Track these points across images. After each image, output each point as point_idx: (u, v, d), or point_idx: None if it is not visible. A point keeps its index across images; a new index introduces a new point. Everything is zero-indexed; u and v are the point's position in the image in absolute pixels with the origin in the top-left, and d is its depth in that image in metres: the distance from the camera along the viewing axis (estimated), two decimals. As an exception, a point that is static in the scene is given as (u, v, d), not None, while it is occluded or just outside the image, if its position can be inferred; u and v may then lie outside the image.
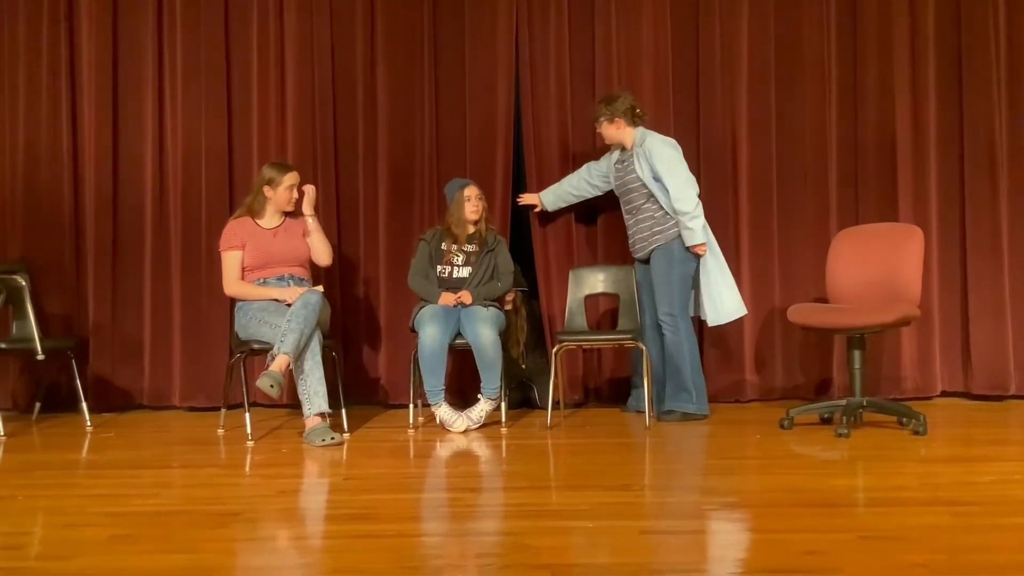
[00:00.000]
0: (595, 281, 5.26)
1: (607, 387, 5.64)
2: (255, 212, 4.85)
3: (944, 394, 5.57)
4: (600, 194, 5.34)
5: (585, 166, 5.37)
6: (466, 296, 4.85)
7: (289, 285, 4.72)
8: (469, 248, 5.04)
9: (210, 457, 4.24)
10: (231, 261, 4.76)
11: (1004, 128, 5.55)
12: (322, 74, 5.65)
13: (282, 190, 4.83)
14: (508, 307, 5.21)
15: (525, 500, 3.28)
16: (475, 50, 5.64)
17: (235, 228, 4.81)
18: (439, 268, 5.01)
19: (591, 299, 5.37)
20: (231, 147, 5.67)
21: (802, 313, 4.62)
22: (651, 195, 4.97)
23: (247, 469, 3.94)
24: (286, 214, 4.91)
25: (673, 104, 5.57)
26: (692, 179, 4.99)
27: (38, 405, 5.38)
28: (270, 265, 4.76)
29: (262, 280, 4.74)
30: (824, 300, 4.89)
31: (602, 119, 5.08)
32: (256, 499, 3.36)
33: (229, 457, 4.23)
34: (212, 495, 3.41)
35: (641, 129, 5.08)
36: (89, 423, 5.03)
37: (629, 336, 4.90)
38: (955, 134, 5.59)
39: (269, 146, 5.63)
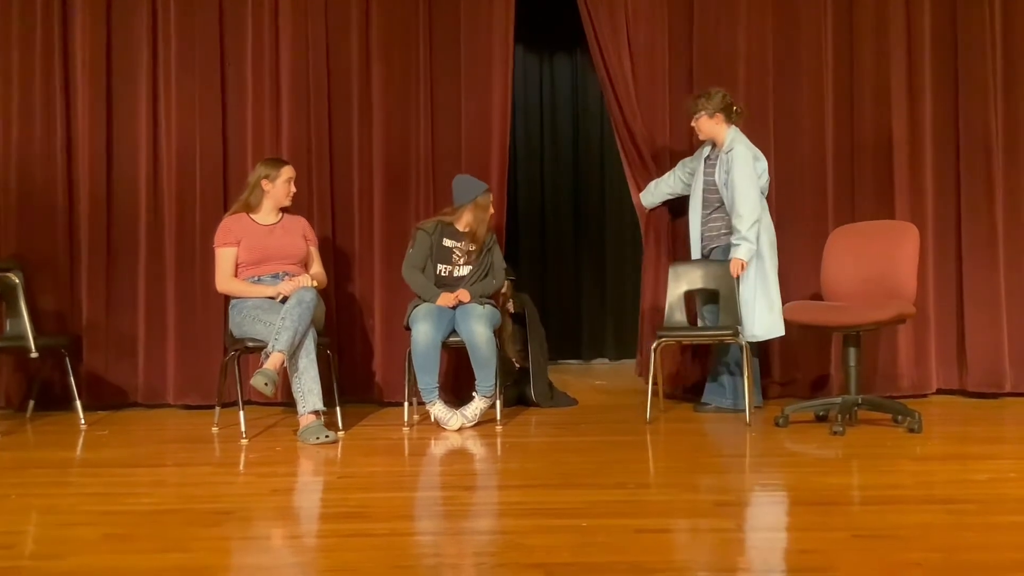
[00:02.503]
0: (695, 276, 5.17)
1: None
2: (251, 207, 4.85)
3: (939, 392, 5.58)
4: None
5: (680, 163, 5.41)
6: (464, 294, 4.84)
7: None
8: (471, 247, 5.03)
9: (204, 455, 4.23)
10: (225, 258, 4.75)
11: (1000, 126, 5.56)
12: (317, 69, 5.63)
13: (280, 183, 4.83)
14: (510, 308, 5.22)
15: (519, 498, 3.27)
16: (471, 45, 5.63)
17: (230, 224, 4.80)
18: (440, 267, 4.99)
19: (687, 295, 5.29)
20: (225, 144, 5.66)
21: (797, 311, 4.62)
22: (723, 200, 5.06)
23: (241, 467, 3.93)
24: (283, 211, 4.90)
25: (669, 103, 5.57)
26: (763, 201, 5.03)
27: (32, 403, 5.36)
28: (266, 261, 4.75)
29: (256, 278, 4.73)
30: (820, 298, 4.89)
31: (702, 112, 5.06)
32: (250, 497, 3.35)
33: (223, 455, 4.21)
34: (206, 493, 3.41)
35: (735, 131, 5.08)
36: (83, 421, 5.02)
37: (729, 332, 4.85)
38: (951, 132, 5.60)
39: (263, 143, 5.61)
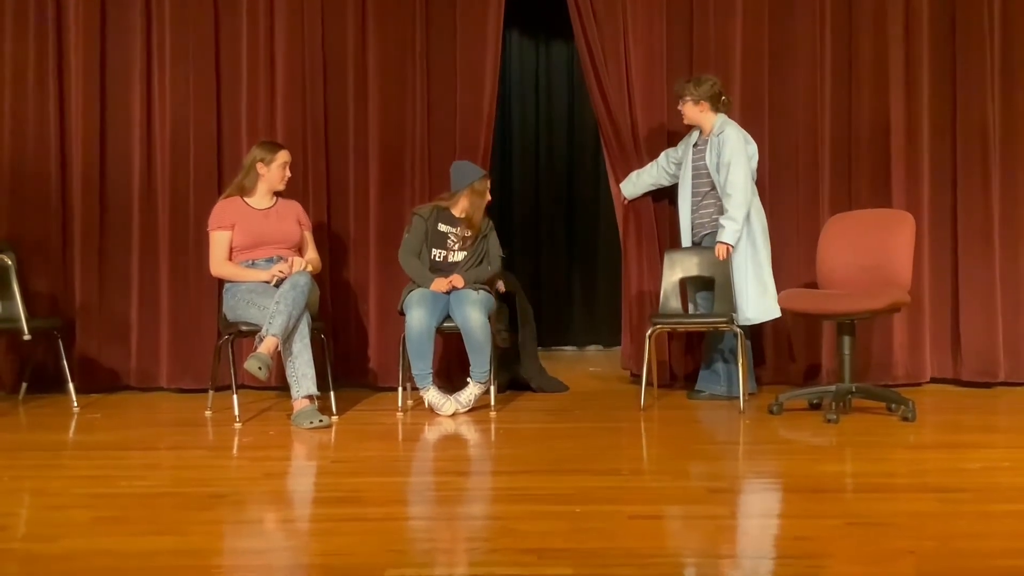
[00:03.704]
0: (689, 264, 5.14)
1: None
2: (246, 190, 4.82)
3: (934, 380, 5.59)
4: (677, 181, 5.32)
5: (663, 154, 5.39)
6: (458, 280, 4.83)
7: (277, 265, 4.69)
8: (467, 233, 5.01)
9: (197, 439, 4.22)
10: (219, 241, 4.73)
11: (997, 116, 5.55)
12: (312, 54, 5.60)
13: (275, 167, 4.80)
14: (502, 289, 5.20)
15: (513, 484, 3.27)
16: (466, 28, 5.60)
17: (224, 208, 4.78)
18: (434, 252, 4.97)
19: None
20: (220, 127, 5.63)
21: (792, 299, 4.62)
22: (714, 185, 5.03)
23: (234, 451, 3.93)
24: (277, 195, 4.88)
25: (667, 90, 5.55)
26: (752, 183, 5.02)
27: (24, 385, 5.35)
28: (260, 246, 4.73)
29: (250, 262, 4.71)
30: (815, 286, 4.88)
31: (687, 98, 5.07)
32: (243, 481, 3.35)
33: (216, 439, 4.21)
34: (199, 477, 3.40)
35: (724, 117, 5.09)
36: (76, 404, 5.00)
37: (723, 319, 4.84)
38: (948, 121, 5.59)
39: (258, 126, 5.58)
